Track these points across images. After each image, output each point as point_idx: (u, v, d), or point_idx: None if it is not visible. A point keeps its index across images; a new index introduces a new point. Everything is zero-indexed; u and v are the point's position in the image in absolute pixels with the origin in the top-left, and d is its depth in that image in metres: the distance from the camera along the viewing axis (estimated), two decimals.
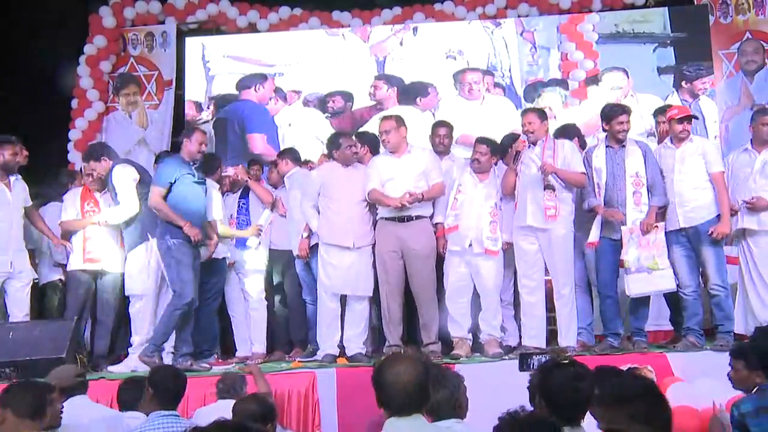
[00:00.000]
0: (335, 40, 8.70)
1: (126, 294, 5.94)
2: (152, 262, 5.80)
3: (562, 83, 8.33)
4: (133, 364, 5.65)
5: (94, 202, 6.06)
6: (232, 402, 3.96)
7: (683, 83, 8.10)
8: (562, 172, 5.47)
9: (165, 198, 5.58)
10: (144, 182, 5.91)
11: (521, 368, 3.35)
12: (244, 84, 8.61)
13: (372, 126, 7.48)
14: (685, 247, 5.49)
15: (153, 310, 5.85)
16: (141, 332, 5.80)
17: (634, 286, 5.41)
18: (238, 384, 4.58)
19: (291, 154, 6.48)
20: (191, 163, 5.72)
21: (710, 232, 5.37)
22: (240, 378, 4.67)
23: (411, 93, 8.48)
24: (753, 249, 5.61)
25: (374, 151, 6.14)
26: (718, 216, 5.46)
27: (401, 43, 8.58)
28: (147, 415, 3.75)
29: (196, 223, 5.60)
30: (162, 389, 3.80)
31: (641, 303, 5.57)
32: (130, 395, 4.14)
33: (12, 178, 5.84)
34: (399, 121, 5.74)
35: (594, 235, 5.47)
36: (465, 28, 8.53)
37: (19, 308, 5.85)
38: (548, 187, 5.44)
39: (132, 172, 5.94)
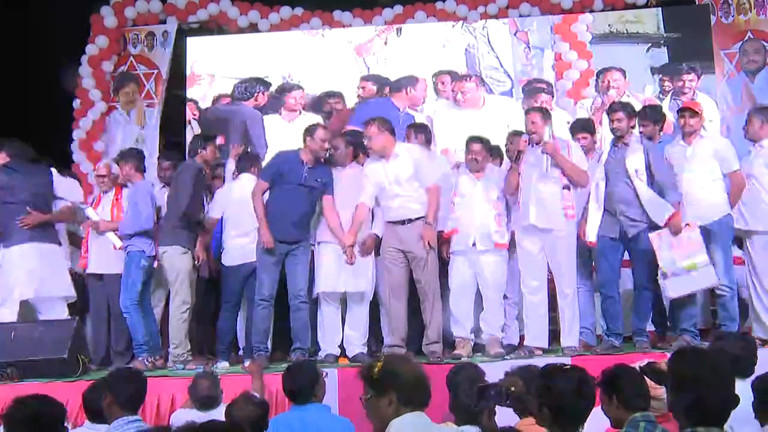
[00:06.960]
0: (315, 40, 8.58)
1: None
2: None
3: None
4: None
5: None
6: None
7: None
8: (564, 160, 5.38)
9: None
10: None
11: (478, 400, 3.19)
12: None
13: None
14: None
15: None
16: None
17: (673, 289, 5.22)
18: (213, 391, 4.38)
19: None
20: (314, 162, 5.57)
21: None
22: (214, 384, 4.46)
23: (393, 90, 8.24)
24: (750, 251, 5.60)
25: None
26: (728, 215, 5.46)
27: (386, 43, 8.47)
28: (109, 424, 3.58)
29: (280, 225, 5.50)
30: (121, 393, 3.63)
31: (642, 303, 5.54)
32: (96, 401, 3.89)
33: None
34: (381, 124, 5.58)
35: (592, 234, 5.41)
36: (448, 28, 8.44)
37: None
38: (566, 187, 5.41)
39: None
